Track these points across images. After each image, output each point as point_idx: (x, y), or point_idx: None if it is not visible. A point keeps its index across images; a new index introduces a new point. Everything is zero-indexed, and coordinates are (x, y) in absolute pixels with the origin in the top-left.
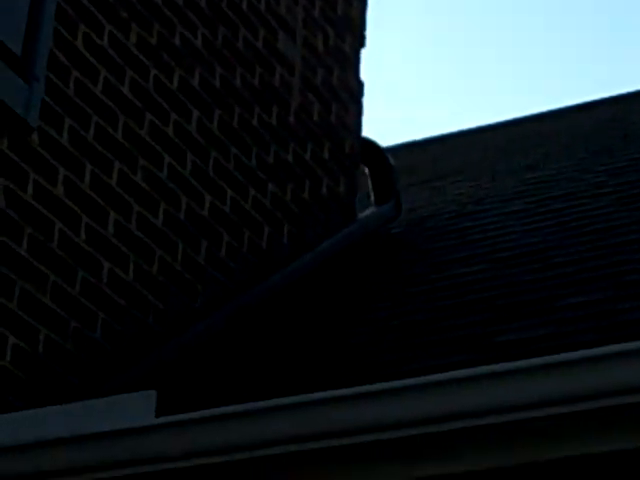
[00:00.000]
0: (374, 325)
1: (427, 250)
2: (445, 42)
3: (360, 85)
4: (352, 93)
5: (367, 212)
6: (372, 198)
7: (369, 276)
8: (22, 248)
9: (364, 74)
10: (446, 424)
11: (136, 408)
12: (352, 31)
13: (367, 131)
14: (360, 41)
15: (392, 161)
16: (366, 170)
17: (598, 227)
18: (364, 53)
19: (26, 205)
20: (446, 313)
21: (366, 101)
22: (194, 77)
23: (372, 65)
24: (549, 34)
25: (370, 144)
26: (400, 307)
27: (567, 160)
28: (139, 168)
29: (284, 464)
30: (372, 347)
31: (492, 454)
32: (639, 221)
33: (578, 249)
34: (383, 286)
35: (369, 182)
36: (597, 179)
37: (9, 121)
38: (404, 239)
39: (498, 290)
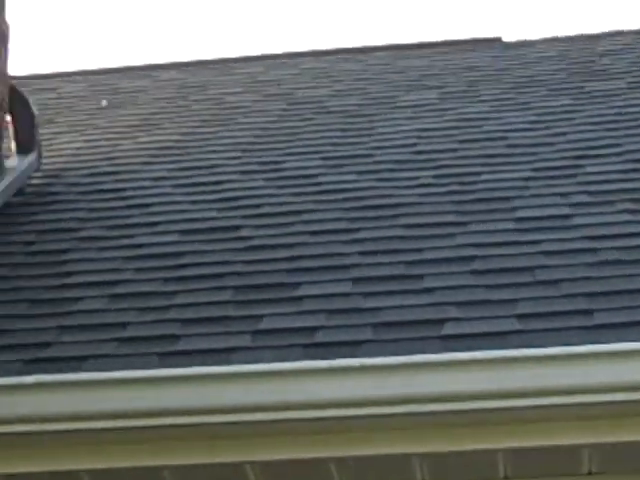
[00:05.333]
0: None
1: (87, 209)
2: None
3: (7, 28)
4: (3, 36)
5: (12, 162)
6: (13, 147)
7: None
8: None
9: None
10: None
11: None
12: None
13: None
14: None
15: (35, 110)
16: (8, 117)
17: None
18: None
19: None
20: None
21: None
22: None
23: None
24: None
25: (14, 91)
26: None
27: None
28: None
29: None
30: None
31: None
32: None
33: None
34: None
35: (10, 130)
36: None
37: None
38: (51, 193)
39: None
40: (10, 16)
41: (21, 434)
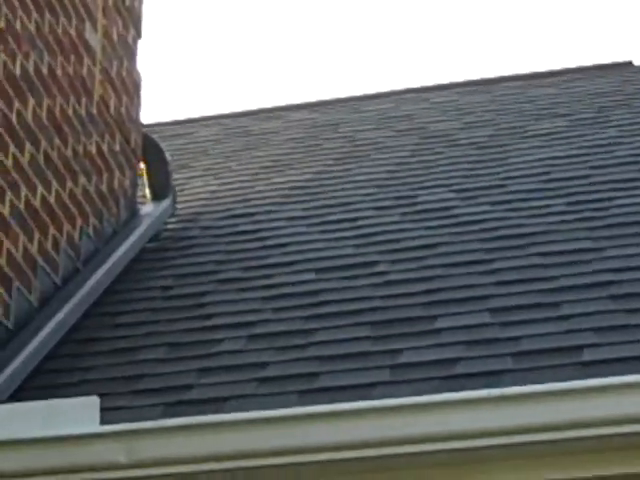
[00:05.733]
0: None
1: (224, 252)
2: None
3: (139, 77)
4: (135, 85)
5: (148, 208)
6: (148, 194)
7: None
8: None
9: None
10: None
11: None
12: (133, 22)
13: None
14: (139, 32)
15: (169, 156)
16: (141, 165)
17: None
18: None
19: None
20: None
21: None
22: (29, 62)
23: None
24: None
25: (148, 138)
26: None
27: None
28: None
29: None
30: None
31: None
32: None
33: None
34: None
35: (144, 177)
36: None
37: None
38: (187, 237)
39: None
40: (141, 65)
41: (171, 476)
